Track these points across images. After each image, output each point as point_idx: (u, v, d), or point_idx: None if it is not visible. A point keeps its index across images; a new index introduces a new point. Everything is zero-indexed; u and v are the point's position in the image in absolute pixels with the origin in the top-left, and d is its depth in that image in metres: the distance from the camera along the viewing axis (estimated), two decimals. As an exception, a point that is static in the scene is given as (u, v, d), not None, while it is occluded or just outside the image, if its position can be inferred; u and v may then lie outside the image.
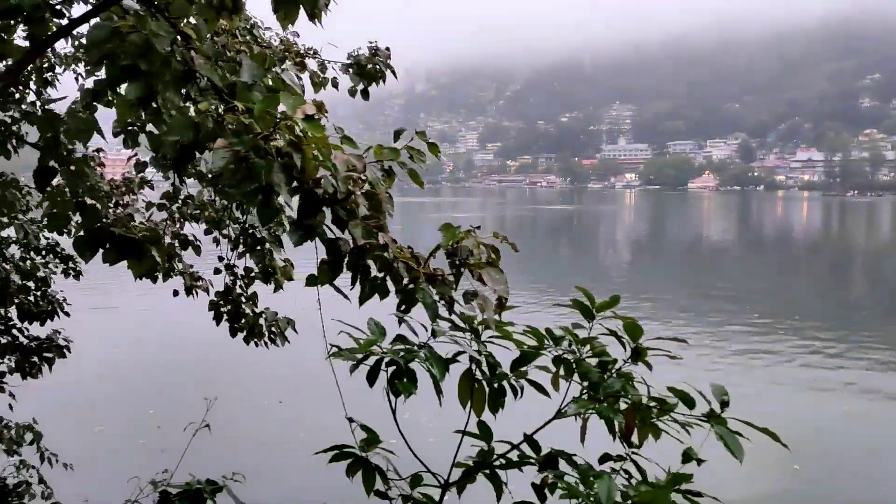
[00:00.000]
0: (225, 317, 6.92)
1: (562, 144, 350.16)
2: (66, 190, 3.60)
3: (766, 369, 19.25)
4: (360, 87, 6.30)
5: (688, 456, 2.31)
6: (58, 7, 3.36)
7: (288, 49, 6.20)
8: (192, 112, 3.45)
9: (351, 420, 2.84)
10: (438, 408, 2.75)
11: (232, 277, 6.91)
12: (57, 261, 8.34)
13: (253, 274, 6.86)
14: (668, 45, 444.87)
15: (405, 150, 3.12)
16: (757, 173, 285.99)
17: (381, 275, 2.69)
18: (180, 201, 7.20)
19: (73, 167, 3.02)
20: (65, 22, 3.53)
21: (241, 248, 6.80)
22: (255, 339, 6.91)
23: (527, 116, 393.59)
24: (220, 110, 3.01)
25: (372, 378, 2.47)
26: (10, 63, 5.75)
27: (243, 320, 6.83)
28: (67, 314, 7.64)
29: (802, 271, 48.21)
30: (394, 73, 6.34)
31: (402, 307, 2.58)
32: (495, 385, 2.80)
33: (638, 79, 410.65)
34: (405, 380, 2.41)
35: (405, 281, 2.64)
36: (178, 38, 2.95)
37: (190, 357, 16.15)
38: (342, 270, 2.83)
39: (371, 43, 6.28)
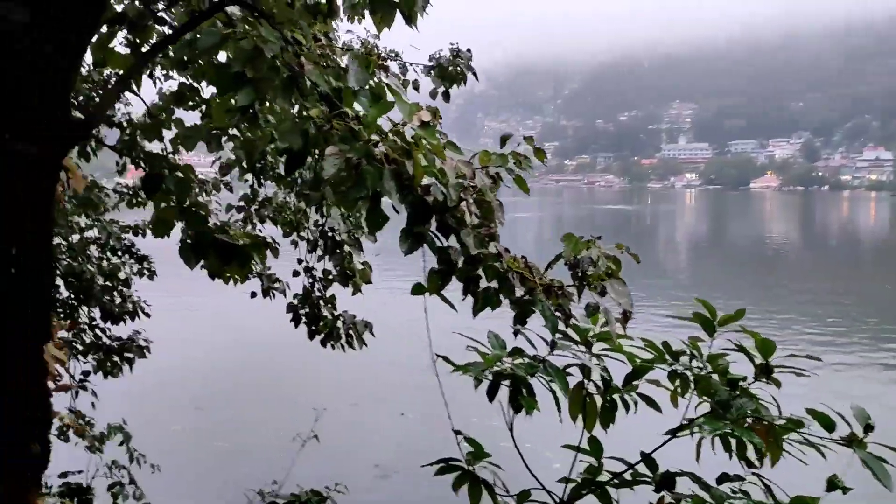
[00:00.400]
0: (303, 319, 6.96)
1: (621, 144, 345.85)
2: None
3: (851, 382, 18.32)
4: (441, 89, 6.26)
5: (832, 484, 2.17)
6: (160, 14, 3.39)
7: (369, 52, 6.20)
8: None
9: (458, 433, 2.77)
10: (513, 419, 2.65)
11: (311, 280, 6.93)
12: (132, 261, 8.52)
13: (331, 277, 6.88)
14: (730, 41, 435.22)
15: (510, 156, 3.05)
16: (821, 173, 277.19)
17: (493, 285, 2.62)
18: (258, 203, 7.28)
19: (180, 174, 3.03)
20: (167, 29, 3.56)
21: (319, 251, 6.82)
22: (333, 343, 6.93)
23: (585, 115, 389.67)
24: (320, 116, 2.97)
25: (493, 393, 2.39)
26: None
27: (321, 323, 6.85)
28: (148, 315, 7.78)
29: (874, 274, 46.52)
30: (475, 74, 6.29)
31: (518, 319, 2.50)
32: (608, 399, 2.70)
33: (699, 77, 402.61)
34: (525, 394, 2.32)
35: (519, 293, 2.56)
36: (285, 43, 2.93)
37: (263, 359, 16.32)
38: (451, 279, 2.78)
39: (452, 45, 6.24)
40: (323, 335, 6.88)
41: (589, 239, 2.45)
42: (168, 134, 4.55)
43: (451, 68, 6.25)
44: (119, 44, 3.94)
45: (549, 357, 2.66)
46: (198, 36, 3.81)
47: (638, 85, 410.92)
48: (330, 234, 6.68)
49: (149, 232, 8.83)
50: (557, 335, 2.70)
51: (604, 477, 2.78)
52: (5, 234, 2.48)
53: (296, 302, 6.90)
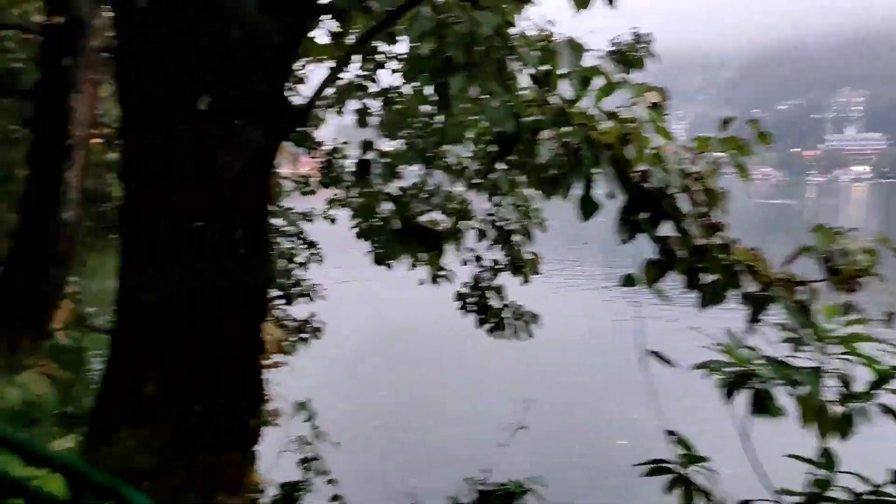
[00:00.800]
0: (470, 308, 6.98)
1: (779, 134, 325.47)
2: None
3: None
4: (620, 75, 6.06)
5: None
6: (366, 4, 3.43)
7: (547, 38, 6.08)
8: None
9: (671, 433, 2.62)
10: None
11: (480, 269, 6.94)
12: (304, 246, 8.87)
13: (499, 266, 6.85)
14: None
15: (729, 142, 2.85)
16: None
17: (721, 278, 2.45)
18: (427, 192, 7.35)
19: (388, 160, 3.06)
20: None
21: (488, 240, 6.80)
22: (499, 332, 6.91)
23: (740, 105, 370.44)
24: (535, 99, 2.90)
25: (731, 392, 2.23)
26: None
27: (489, 312, 6.85)
28: (323, 297, 8.10)
29: None
30: (657, 58, 6.05)
31: (753, 316, 2.32)
32: (847, 407, 2.46)
33: (873, 60, 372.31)
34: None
35: (751, 287, 2.38)
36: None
37: (418, 343, 16.60)
38: (668, 271, 2.63)
39: (634, 29, 6.02)
40: (491, 324, 6.88)
41: (839, 230, 2.23)
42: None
43: (629, 53, 6.03)
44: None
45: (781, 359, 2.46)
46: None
47: (800, 72, 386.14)
48: (500, 223, 6.65)
49: (315, 220, 9.27)
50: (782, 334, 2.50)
51: (833, 493, 2.55)
52: (234, 218, 2.59)
53: (465, 290, 6.93)
